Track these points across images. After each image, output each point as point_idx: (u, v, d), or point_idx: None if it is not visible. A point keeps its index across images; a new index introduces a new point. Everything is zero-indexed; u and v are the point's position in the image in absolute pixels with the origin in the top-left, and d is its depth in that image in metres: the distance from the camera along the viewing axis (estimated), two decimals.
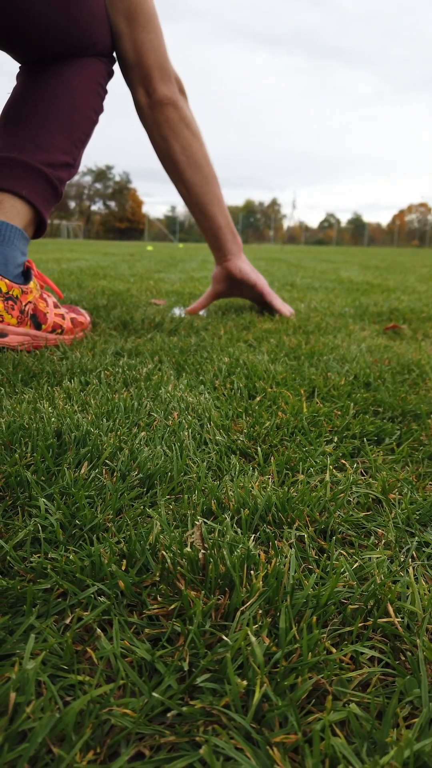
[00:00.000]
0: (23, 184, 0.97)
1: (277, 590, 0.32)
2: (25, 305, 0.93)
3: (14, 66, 1.13)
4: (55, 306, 1.02)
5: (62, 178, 1.04)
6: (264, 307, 1.48)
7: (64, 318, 1.02)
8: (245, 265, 1.38)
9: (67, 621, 0.31)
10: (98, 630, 0.30)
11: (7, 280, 0.90)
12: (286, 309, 1.44)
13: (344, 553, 0.38)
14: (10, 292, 0.90)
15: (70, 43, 1.02)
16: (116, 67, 1.15)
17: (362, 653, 0.29)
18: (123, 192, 60.96)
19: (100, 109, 1.11)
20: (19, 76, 1.08)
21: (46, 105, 1.02)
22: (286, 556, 0.36)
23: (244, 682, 0.26)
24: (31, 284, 0.96)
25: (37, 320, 0.96)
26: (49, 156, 1.00)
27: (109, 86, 1.14)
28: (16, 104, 1.03)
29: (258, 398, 0.68)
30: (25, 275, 0.97)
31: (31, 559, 0.35)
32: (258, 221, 72.47)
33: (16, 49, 1.03)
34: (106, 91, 1.11)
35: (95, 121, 1.10)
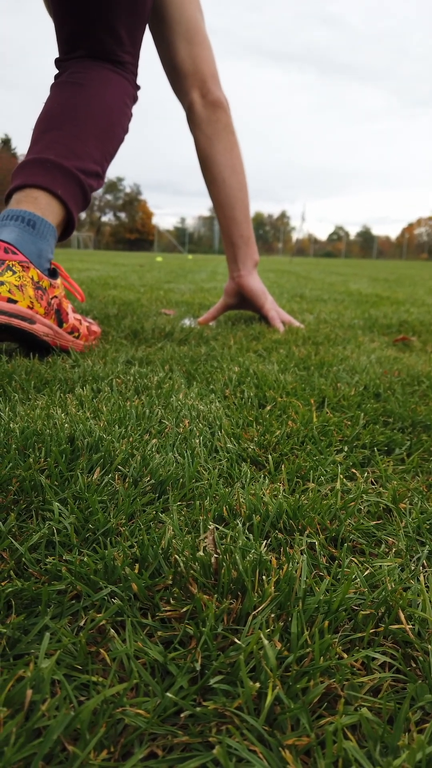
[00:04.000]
0: (58, 184, 1.00)
1: (288, 595, 0.32)
2: (51, 299, 0.95)
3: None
4: (73, 311, 1.04)
5: (92, 186, 1.08)
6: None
7: (81, 323, 1.04)
8: (257, 285, 1.41)
9: (81, 622, 0.31)
10: (111, 631, 0.30)
11: (38, 270, 0.92)
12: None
13: (355, 561, 0.38)
14: (40, 282, 0.92)
15: (120, 38, 1.10)
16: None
17: (373, 659, 0.30)
18: (133, 203, 61.50)
19: (127, 130, 1.18)
20: (52, 88, 1.13)
21: (82, 117, 1.07)
22: (297, 563, 0.36)
23: (257, 685, 0.26)
24: (58, 281, 0.99)
25: (60, 317, 0.98)
26: (83, 163, 1.05)
27: None
28: (51, 114, 1.08)
29: (268, 407, 0.69)
30: (52, 274, 1.00)
31: (46, 561, 0.36)
32: (267, 233, 72.77)
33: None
34: (132, 114, 1.19)
35: (122, 140, 1.17)
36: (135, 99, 1.19)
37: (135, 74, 1.19)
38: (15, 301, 0.87)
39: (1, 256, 0.88)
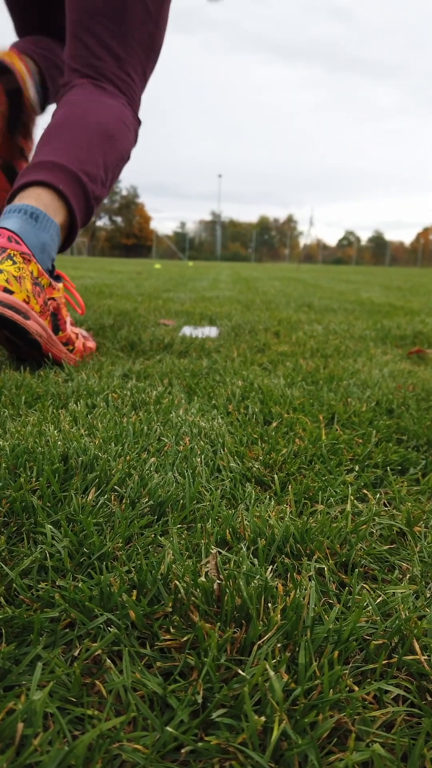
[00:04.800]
0: (60, 181, 1.04)
1: (296, 624, 0.33)
2: (48, 299, 0.97)
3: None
4: (72, 324, 1.05)
5: (95, 192, 1.12)
6: None
7: (77, 338, 1.05)
8: None
9: (76, 652, 0.32)
10: (108, 661, 0.30)
11: (39, 266, 0.94)
12: None
13: (367, 587, 0.39)
14: (39, 279, 0.94)
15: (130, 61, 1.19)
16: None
17: (386, 691, 0.30)
18: (130, 207, 62.02)
19: (129, 152, 1.25)
20: (55, 114, 1.19)
21: (83, 130, 1.12)
22: (305, 589, 0.37)
23: (262, 719, 0.26)
24: (60, 285, 1.01)
25: (56, 321, 0.99)
26: (85, 166, 1.09)
27: None
28: (53, 128, 1.13)
29: (274, 424, 0.69)
30: (55, 279, 1.02)
31: (38, 587, 0.36)
32: (273, 238, 73.27)
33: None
34: (135, 141, 1.27)
35: (124, 159, 1.23)
36: (136, 133, 1.27)
37: (136, 110, 1.25)
38: (11, 292, 0.89)
39: (4, 244, 0.90)
